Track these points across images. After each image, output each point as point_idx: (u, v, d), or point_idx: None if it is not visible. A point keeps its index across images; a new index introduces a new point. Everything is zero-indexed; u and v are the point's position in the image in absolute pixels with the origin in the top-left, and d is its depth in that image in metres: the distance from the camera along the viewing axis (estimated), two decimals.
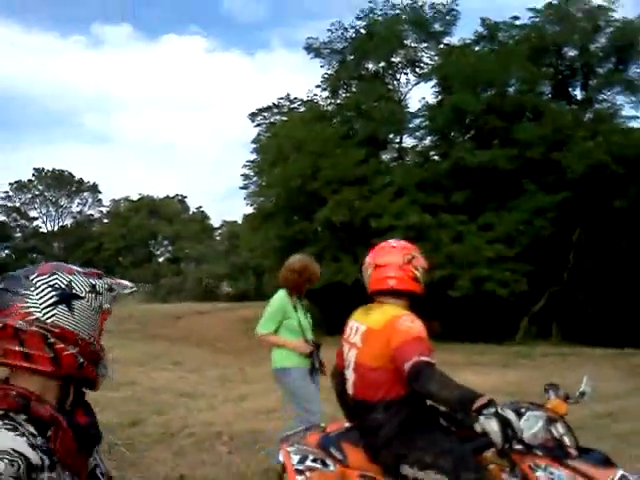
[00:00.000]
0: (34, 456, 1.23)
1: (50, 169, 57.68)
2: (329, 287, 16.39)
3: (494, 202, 16.38)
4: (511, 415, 2.14)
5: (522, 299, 15.46)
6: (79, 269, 1.45)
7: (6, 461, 1.18)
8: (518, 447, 2.37)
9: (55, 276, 1.39)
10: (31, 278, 1.37)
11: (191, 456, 4.95)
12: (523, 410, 2.47)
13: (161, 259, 58.14)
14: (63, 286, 1.38)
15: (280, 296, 4.34)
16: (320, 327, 14.04)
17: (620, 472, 2.29)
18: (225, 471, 4.55)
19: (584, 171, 15.31)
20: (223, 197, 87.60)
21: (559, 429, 2.51)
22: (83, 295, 1.39)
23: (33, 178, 57.17)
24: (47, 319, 1.33)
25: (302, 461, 2.63)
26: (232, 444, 5.23)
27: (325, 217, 17.31)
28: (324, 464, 2.63)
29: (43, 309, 1.34)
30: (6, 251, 55.02)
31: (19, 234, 57.27)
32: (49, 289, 1.36)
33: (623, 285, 15.69)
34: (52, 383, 1.39)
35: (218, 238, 59.74)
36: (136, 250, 53.62)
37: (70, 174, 58.44)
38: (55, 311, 1.35)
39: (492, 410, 2.12)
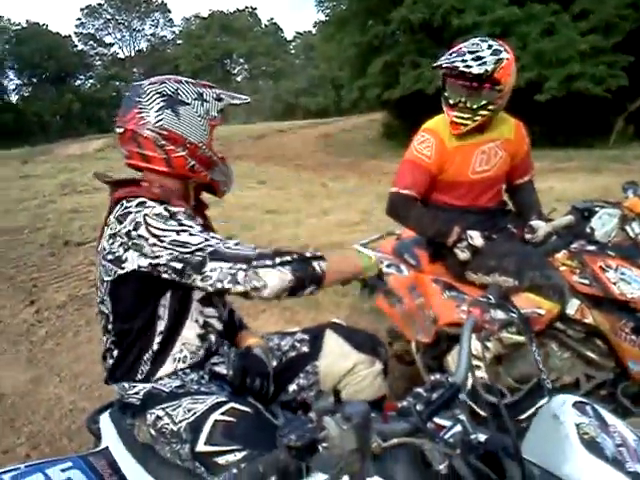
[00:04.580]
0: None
1: None
2: (408, 97, 15.79)
3: None
4: (479, 241, 2.32)
5: (619, 97, 13.76)
6: (189, 80, 1.54)
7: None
8: (590, 247, 2.30)
9: (164, 84, 1.50)
10: (144, 86, 1.49)
11: None
12: (597, 209, 2.35)
13: (239, 77, 57.61)
14: (170, 93, 1.48)
15: None
16: (399, 140, 13.67)
17: None
18: None
19: None
20: (294, 5, 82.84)
21: (635, 228, 2.39)
22: (189, 102, 1.49)
23: (102, 1, 56.13)
24: (156, 123, 1.46)
25: None
26: None
27: (402, 17, 15.72)
28: (398, 269, 2.75)
29: (152, 114, 1.46)
30: (91, 81, 56.20)
31: (99, 62, 57.90)
32: (157, 95, 1.47)
33: None
34: (174, 184, 1.53)
35: (293, 52, 57.79)
36: (213, 70, 53.11)
37: None
38: (163, 115, 1.46)
39: (464, 244, 2.33)
